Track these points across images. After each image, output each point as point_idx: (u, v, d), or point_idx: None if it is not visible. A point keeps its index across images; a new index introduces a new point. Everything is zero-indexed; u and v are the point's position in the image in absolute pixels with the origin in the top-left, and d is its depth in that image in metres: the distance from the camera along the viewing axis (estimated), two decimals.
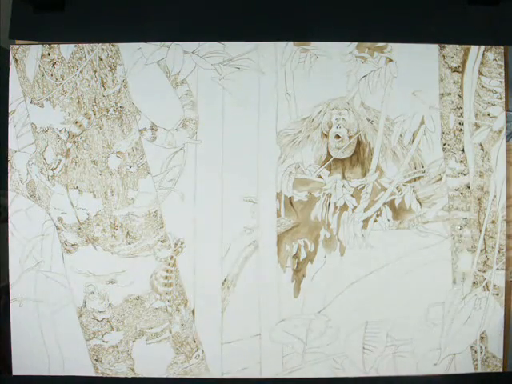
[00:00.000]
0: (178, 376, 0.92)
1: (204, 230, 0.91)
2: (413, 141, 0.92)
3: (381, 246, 0.91)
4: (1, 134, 0.93)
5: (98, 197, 0.91)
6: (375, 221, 0.92)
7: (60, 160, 0.91)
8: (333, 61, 0.92)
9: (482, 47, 0.92)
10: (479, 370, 0.93)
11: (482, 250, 0.92)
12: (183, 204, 0.91)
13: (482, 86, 0.92)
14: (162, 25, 0.92)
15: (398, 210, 0.92)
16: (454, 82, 0.92)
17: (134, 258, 0.91)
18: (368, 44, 0.92)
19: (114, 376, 0.93)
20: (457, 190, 0.92)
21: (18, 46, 0.92)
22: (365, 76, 0.92)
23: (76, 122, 0.91)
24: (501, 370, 0.93)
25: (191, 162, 0.91)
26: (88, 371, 0.93)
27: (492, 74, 0.92)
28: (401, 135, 0.92)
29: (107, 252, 0.91)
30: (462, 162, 0.92)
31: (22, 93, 0.91)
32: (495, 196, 0.92)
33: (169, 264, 0.91)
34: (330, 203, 0.92)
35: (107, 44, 0.91)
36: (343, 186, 0.92)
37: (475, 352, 0.92)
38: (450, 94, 0.92)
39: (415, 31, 0.92)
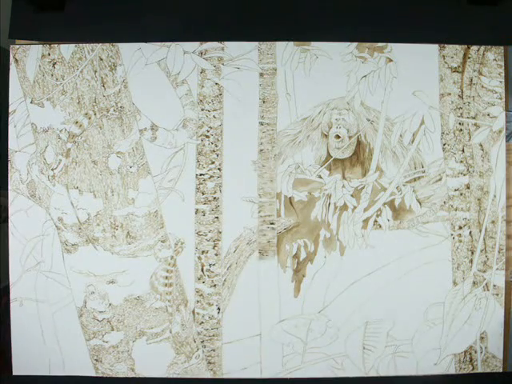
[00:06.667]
0: (178, 376, 0.92)
1: (204, 230, 0.91)
2: (413, 141, 0.92)
3: (381, 246, 0.92)
4: (1, 133, 0.93)
5: (99, 197, 0.91)
6: (375, 221, 0.92)
7: (60, 160, 0.91)
8: (333, 61, 0.92)
9: (482, 47, 0.92)
10: (479, 370, 0.93)
11: (481, 250, 0.92)
12: (183, 204, 0.91)
13: (482, 86, 0.92)
14: (162, 25, 0.92)
15: (398, 210, 0.92)
16: (454, 82, 0.92)
17: (134, 258, 0.91)
18: (368, 44, 0.92)
19: (114, 376, 0.93)
20: (457, 190, 0.92)
21: (18, 46, 0.92)
22: (365, 76, 0.92)
23: (76, 122, 0.91)
24: (501, 370, 0.93)
25: (191, 162, 0.91)
26: (88, 371, 0.93)
27: (492, 74, 0.92)
28: (401, 135, 0.92)
29: (107, 252, 0.91)
30: (462, 162, 0.92)
31: (23, 93, 0.91)
32: (495, 196, 0.92)
33: (169, 264, 0.91)
34: (329, 203, 0.92)
35: (107, 44, 0.91)
36: (343, 186, 0.92)
37: (475, 352, 0.92)
38: (449, 94, 0.92)
39: (415, 31, 0.92)
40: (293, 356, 0.92)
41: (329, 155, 0.92)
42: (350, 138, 0.92)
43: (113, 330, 0.92)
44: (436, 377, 0.93)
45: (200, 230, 0.91)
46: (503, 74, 0.92)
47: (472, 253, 0.92)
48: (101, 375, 0.93)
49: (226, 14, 0.93)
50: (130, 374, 0.93)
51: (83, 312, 0.92)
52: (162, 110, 0.91)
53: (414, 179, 0.92)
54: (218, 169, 0.91)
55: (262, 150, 0.92)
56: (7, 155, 0.92)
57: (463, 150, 0.92)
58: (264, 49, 0.92)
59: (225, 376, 0.92)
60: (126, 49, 0.91)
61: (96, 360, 0.92)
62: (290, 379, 0.92)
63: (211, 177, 0.91)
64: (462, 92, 0.92)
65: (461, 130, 0.92)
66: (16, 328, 0.92)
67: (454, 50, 0.92)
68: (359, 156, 0.92)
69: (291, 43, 0.92)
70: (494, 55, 0.92)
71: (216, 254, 0.92)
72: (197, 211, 0.91)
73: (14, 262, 0.91)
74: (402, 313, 0.92)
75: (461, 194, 0.92)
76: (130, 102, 0.91)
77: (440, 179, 0.92)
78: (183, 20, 0.92)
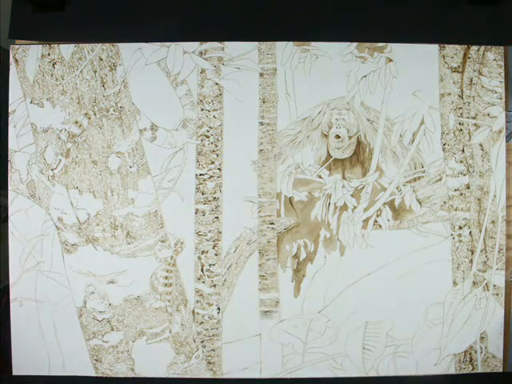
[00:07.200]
0: (178, 376, 0.92)
1: (204, 230, 0.91)
2: (413, 141, 0.92)
3: (381, 246, 0.91)
4: (1, 133, 0.93)
5: (98, 197, 0.91)
6: (375, 221, 0.92)
7: (60, 160, 0.91)
8: (333, 61, 0.92)
9: (482, 47, 0.92)
10: (479, 370, 0.93)
11: (481, 250, 0.92)
12: (183, 204, 0.91)
13: (482, 86, 0.92)
14: (162, 25, 0.92)
15: (398, 210, 0.92)
16: (454, 82, 0.92)
17: (134, 258, 0.91)
18: (368, 44, 0.92)
19: (113, 376, 0.93)
20: (457, 190, 0.92)
21: (18, 46, 0.92)
22: (365, 76, 0.92)
23: (76, 122, 0.91)
24: (501, 370, 0.93)
25: (191, 162, 0.91)
26: (88, 371, 0.93)
27: (492, 74, 0.92)
28: (401, 135, 0.92)
29: (107, 252, 0.91)
30: (461, 162, 0.92)
31: (22, 93, 0.91)
32: (495, 196, 0.92)
33: (169, 264, 0.91)
34: (329, 203, 0.92)
35: (107, 44, 0.91)
36: (343, 186, 0.92)
37: (475, 352, 0.92)
38: (450, 94, 0.92)
39: (415, 31, 0.92)
40: (293, 356, 0.92)
41: (329, 155, 0.92)
42: (350, 138, 0.92)
43: (113, 329, 0.92)
44: (436, 377, 0.92)
45: (200, 230, 0.91)
46: (503, 74, 0.92)
47: (472, 253, 0.92)
48: (101, 375, 0.93)
49: (226, 14, 0.93)
50: (130, 374, 0.93)
51: (83, 312, 0.92)
52: (161, 110, 0.91)
53: (414, 179, 0.92)
54: (218, 169, 0.91)
55: (261, 150, 0.92)
56: (7, 155, 0.92)
57: (463, 150, 0.92)
58: (264, 49, 0.92)
59: (225, 376, 0.92)
60: (126, 49, 0.91)
61: (96, 360, 0.92)
62: (290, 379, 0.92)
63: (211, 177, 0.91)
64: (462, 92, 0.92)
65: (461, 129, 0.92)
66: (16, 328, 0.92)
67: (454, 50, 0.92)
68: (359, 156, 0.92)
69: (291, 43, 0.92)
70: (494, 55, 0.92)
71: (216, 254, 0.91)
72: (197, 211, 0.91)
73: (14, 262, 0.91)
74: (401, 313, 0.92)
75: (461, 194, 0.92)
76: (129, 102, 0.91)
77: (440, 179, 0.92)
78: (183, 20, 0.92)
